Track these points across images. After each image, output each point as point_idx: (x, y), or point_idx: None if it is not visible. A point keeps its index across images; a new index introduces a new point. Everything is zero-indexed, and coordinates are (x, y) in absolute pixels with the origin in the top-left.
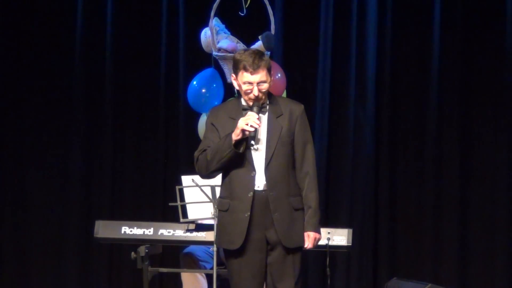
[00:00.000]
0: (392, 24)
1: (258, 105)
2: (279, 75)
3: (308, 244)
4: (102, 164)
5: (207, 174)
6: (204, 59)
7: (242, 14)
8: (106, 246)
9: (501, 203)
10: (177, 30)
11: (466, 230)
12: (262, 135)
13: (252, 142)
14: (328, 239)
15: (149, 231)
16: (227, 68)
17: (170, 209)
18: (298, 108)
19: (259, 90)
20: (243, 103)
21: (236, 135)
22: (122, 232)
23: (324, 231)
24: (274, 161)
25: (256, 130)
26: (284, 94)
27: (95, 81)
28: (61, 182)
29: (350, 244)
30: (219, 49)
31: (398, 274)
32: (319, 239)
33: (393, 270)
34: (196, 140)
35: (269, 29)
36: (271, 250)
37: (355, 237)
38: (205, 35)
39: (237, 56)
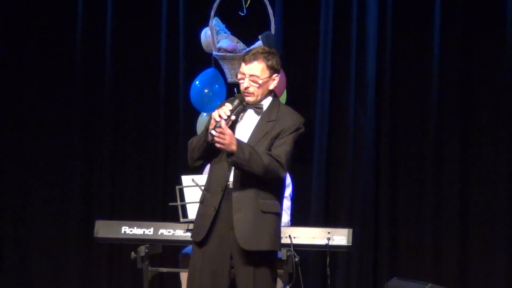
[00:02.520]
0: (392, 24)
1: (241, 97)
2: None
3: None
4: (102, 164)
5: (191, 163)
6: (204, 59)
7: (242, 14)
8: (106, 246)
9: (501, 203)
10: (177, 30)
11: (466, 230)
12: (247, 134)
13: (213, 131)
14: (328, 239)
15: (149, 231)
16: (227, 68)
17: (170, 209)
18: (291, 121)
19: (250, 84)
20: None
21: (211, 125)
22: (122, 232)
23: (324, 231)
24: None
25: (226, 120)
26: (284, 94)
27: (95, 81)
28: (61, 182)
29: (350, 244)
30: (219, 49)
31: (398, 274)
32: (229, 144)
33: (393, 270)
34: None
35: (269, 29)
36: (234, 251)
37: (355, 237)
38: (205, 35)
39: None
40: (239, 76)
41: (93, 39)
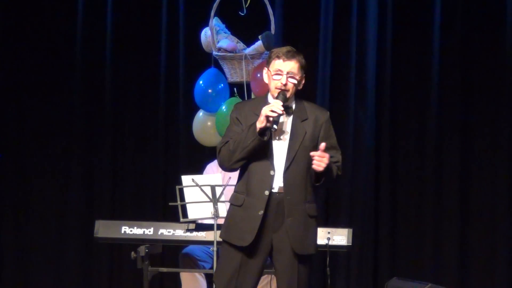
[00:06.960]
0: (392, 24)
1: (284, 94)
2: None
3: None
4: (102, 164)
5: (230, 165)
6: (204, 59)
7: (242, 14)
8: (106, 246)
9: (501, 203)
10: (177, 30)
11: (466, 230)
12: (285, 137)
13: (275, 126)
14: (328, 239)
15: (149, 231)
16: (227, 67)
17: (170, 209)
18: (323, 115)
19: (288, 80)
20: (270, 100)
21: (260, 122)
22: (122, 232)
23: (324, 231)
24: (294, 165)
25: (279, 116)
26: None
27: (95, 81)
28: (61, 182)
29: (350, 244)
30: (219, 49)
31: (398, 274)
32: (327, 165)
33: (393, 270)
34: (196, 139)
35: (269, 29)
36: (277, 254)
37: (355, 237)
38: (205, 35)
39: (273, 49)
40: (275, 72)
41: (93, 40)
